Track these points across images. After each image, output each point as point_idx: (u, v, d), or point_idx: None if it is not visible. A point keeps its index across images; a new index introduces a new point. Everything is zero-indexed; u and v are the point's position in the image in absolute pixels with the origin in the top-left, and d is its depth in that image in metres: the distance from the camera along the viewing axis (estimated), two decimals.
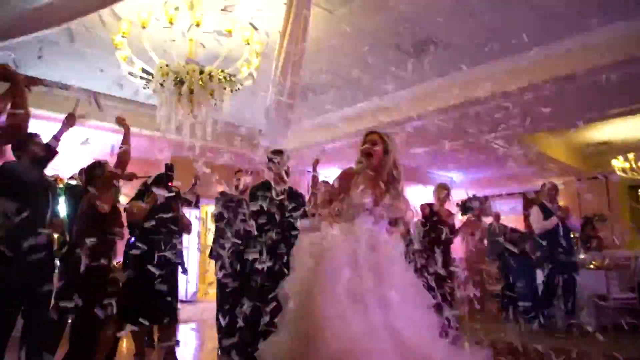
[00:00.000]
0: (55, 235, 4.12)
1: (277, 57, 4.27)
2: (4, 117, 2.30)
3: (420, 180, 11.27)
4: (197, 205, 6.10)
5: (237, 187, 4.67)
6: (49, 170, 5.01)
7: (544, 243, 4.87)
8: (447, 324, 4.67)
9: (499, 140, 8.17)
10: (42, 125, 3.96)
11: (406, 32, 5.16)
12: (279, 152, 3.95)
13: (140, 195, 4.01)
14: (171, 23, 3.71)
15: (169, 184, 3.95)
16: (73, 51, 5.28)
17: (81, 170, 3.61)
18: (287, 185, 3.82)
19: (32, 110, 5.69)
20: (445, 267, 4.93)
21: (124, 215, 3.76)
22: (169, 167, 4.01)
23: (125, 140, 3.42)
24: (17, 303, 2.93)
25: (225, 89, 4.13)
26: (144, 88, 4.18)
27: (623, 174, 8.71)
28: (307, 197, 4.30)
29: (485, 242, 7.08)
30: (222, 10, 3.78)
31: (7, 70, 2.37)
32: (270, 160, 3.86)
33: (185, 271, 4.22)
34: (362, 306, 2.26)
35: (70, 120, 3.33)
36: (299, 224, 3.45)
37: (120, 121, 3.49)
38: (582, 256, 5.93)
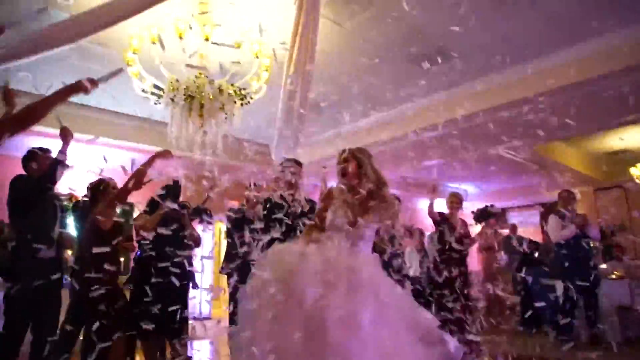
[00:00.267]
0: (70, 252, 4.14)
1: (287, 70, 4.29)
2: None
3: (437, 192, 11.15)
4: (209, 222, 6.10)
5: (248, 201, 4.65)
6: (65, 189, 5.06)
7: (563, 253, 4.74)
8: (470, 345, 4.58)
9: (513, 151, 8.07)
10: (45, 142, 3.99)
11: (416, 43, 5.15)
12: (291, 161, 3.92)
13: (150, 208, 4.00)
14: (181, 38, 3.74)
15: (178, 197, 3.95)
16: (84, 69, 5.35)
17: (87, 188, 3.63)
18: (298, 192, 3.77)
19: (44, 129, 5.82)
20: (463, 281, 4.84)
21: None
22: (177, 180, 4.01)
23: (148, 163, 3.40)
24: (25, 318, 2.91)
25: (235, 102, 4.14)
26: (155, 104, 4.21)
27: None
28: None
29: (503, 254, 6.93)
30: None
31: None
32: (281, 166, 3.84)
33: (195, 286, 4.18)
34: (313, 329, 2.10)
35: (66, 134, 3.30)
36: None
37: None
38: (603, 266, 5.77)
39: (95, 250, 2.87)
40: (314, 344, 2.06)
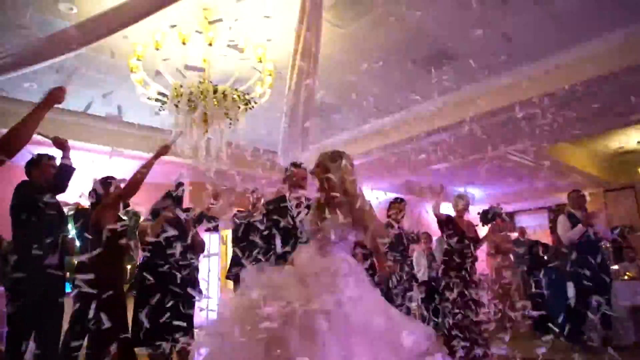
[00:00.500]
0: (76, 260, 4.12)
1: (290, 74, 4.28)
2: None
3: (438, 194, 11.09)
4: (216, 229, 6.08)
5: (253, 205, 4.63)
6: (72, 198, 5.06)
7: (574, 253, 4.66)
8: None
9: (521, 153, 8.01)
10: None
11: (420, 46, 5.14)
12: (296, 165, 3.89)
13: (154, 214, 3.99)
14: (184, 43, 3.75)
15: (180, 202, 3.93)
16: (89, 78, 5.38)
17: (94, 184, 3.61)
18: (303, 195, 3.71)
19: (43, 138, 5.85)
20: (471, 285, 4.77)
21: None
22: (180, 184, 3.99)
23: (146, 165, 3.36)
24: (28, 328, 2.88)
25: (239, 107, 4.13)
26: (160, 110, 4.21)
27: None
28: None
29: (512, 257, 6.85)
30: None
31: None
32: (287, 171, 3.81)
33: (200, 292, 4.14)
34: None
35: (60, 142, 3.28)
36: None
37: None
38: (615, 267, 5.68)
39: (97, 251, 2.84)
40: None
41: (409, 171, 8.94)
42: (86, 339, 3.01)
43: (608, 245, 4.85)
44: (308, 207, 3.35)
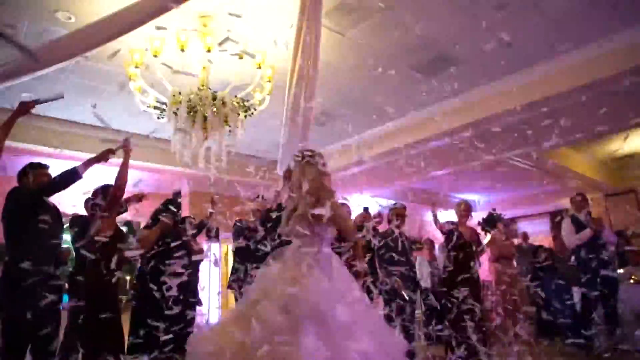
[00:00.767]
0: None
1: (290, 80, 4.26)
2: None
3: (441, 204, 11.05)
4: (217, 238, 6.02)
5: (254, 213, 4.58)
6: (70, 209, 5.00)
7: (579, 259, 4.61)
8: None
9: (521, 158, 7.99)
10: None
11: (420, 51, 5.13)
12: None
13: (153, 222, 3.94)
14: (182, 50, 3.72)
15: (178, 210, 3.88)
16: (87, 88, 5.36)
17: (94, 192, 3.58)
18: None
19: (48, 149, 5.79)
20: (475, 295, 4.71)
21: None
22: (177, 193, 3.95)
23: (123, 165, 3.30)
24: (24, 340, 2.81)
25: (238, 114, 4.10)
26: (158, 118, 4.18)
27: None
28: None
29: (515, 263, 6.78)
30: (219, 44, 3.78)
31: None
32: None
33: (199, 302, 4.07)
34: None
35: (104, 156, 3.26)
36: None
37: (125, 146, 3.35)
38: (620, 271, 5.62)
39: (95, 256, 2.80)
40: None
41: (410, 178, 8.91)
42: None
43: (612, 249, 4.78)
44: None
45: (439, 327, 4.74)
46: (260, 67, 4.17)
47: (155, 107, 4.15)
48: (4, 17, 4.21)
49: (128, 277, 5.83)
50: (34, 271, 2.74)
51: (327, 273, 2.38)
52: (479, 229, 5.88)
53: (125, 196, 3.71)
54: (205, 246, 5.37)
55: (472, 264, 4.90)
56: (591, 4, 4.41)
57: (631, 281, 5.45)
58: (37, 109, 3.30)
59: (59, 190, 3.03)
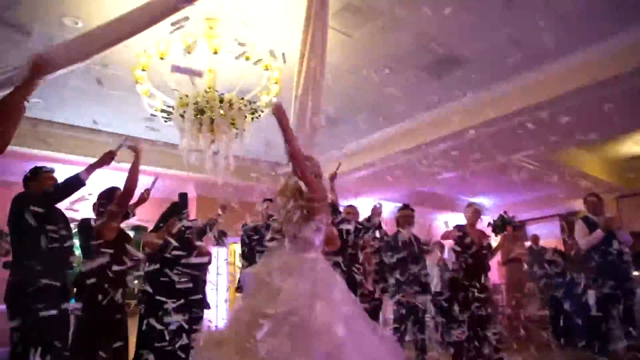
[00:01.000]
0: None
1: (297, 82, 4.22)
2: None
3: (449, 207, 10.96)
4: (223, 243, 5.99)
5: (263, 216, 4.54)
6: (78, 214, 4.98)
7: (594, 260, 4.51)
8: None
9: (530, 159, 7.90)
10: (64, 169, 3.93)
11: (427, 52, 5.07)
12: None
13: (158, 227, 3.91)
14: (189, 52, 3.70)
15: (185, 213, 3.86)
16: (92, 91, 5.36)
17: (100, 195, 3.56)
18: None
19: (55, 154, 5.77)
20: (485, 298, 4.64)
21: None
22: (183, 196, 3.92)
23: (133, 168, 3.28)
24: (32, 345, 2.77)
25: (245, 117, 4.07)
26: (165, 121, 4.16)
27: None
28: None
29: (526, 265, 6.69)
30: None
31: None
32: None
33: (207, 306, 4.03)
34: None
35: (106, 159, 3.23)
36: None
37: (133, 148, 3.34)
38: (636, 273, 5.51)
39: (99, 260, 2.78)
40: None
41: (418, 181, 8.84)
42: None
43: (628, 250, 4.67)
44: None
45: (450, 331, 4.67)
46: (267, 69, 4.13)
47: (162, 110, 4.13)
48: (12, 24, 4.23)
49: (136, 281, 5.80)
50: (42, 277, 2.71)
51: (308, 280, 2.29)
52: (489, 232, 5.81)
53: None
54: (213, 250, 5.34)
55: (481, 267, 4.83)
56: (601, 1, 4.34)
57: None
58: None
59: (63, 198, 3.02)
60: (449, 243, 6.02)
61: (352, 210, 4.87)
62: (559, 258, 6.24)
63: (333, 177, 4.57)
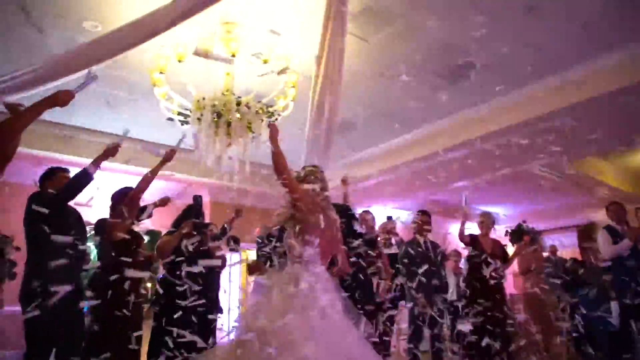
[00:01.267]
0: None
1: (314, 87, 4.20)
2: None
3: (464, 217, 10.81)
4: (236, 249, 5.96)
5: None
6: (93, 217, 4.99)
7: (617, 271, 4.38)
8: None
9: (548, 168, 7.78)
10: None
11: (444, 57, 5.03)
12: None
13: (173, 231, 3.89)
14: (206, 56, 3.70)
15: (200, 216, 3.83)
16: (106, 95, 5.39)
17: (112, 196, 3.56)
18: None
19: (55, 155, 5.77)
20: (499, 309, 4.55)
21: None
22: (198, 199, 3.90)
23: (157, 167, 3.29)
24: (48, 343, 2.74)
25: (262, 120, 4.05)
26: (182, 124, 4.16)
27: None
28: None
29: (543, 276, 6.55)
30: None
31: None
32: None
33: (220, 310, 3.98)
34: None
35: (111, 151, 3.22)
36: None
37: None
38: None
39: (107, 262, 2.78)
40: None
41: (432, 189, 8.75)
42: None
43: None
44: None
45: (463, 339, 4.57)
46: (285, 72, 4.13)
47: (179, 114, 4.13)
48: (32, 28, 4.27)
49: (149, 284, 5.79)
50: (56, 276, 2.69)
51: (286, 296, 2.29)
52: (505, 241, 5.71)
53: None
54: (227, 256, 5.30)
55: (492, 275, 4.74)
56: (622, 6, 4.27)
57: None
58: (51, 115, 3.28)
59: (75, 194, 3.01)
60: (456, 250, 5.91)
61: (367, 216, 4.80)
62: (579, 268, 6.11)
63: (345, 182, 4.53)
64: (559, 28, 4.56)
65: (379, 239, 4.86)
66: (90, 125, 6.24)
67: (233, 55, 3.80)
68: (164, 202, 3.77)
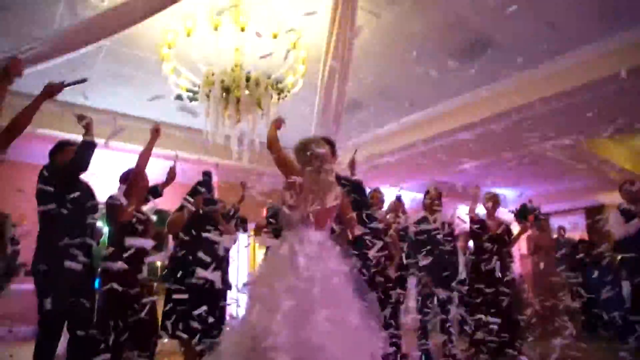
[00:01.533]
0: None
1: (324, 63, 4.13)
2: None
3: (470, 198, 10.75)
4: (245, 229, 5.93)
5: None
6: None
7: (630, 250, 4.33)
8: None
9: (556, 149, 7.67)
10: None
11: (458, 34, 4.93)
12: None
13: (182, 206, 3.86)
14: (216, 29, 3.62)
15: (209, 192, 3.81)
16: (118, 76, 5.34)
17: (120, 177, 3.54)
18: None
19: (47, 132, 5.74)
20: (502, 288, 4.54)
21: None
22: (207, 175, 3.87)
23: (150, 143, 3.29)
24: (60, 316, 2.75)
25: (272, 97, 3.99)
26: (191, 101, 4.10)
27: None
28: None
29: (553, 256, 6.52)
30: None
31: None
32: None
33: (229, 287, 3.97)
34: None
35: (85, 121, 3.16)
36: None
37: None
38: None
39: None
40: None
41: (439, 171, 8.68)
42: None
43: None
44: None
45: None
46: (294, 47, 4.04)
47: (188, 90, 4.07)
48: (38, 3, 4.21)
49: (159, 263, 5.81)
50: (68, 250, 2.68)
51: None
52: (511, 221, 5.68)
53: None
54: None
55: (497, 256, 4.73)
56: None
57: None
58: (64, 96, 3.25)
59: (84, 165, 2.98)
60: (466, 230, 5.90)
61: (377, 195, 4.75)
62: (589, 248, 6.08)
63: (352, 165, 4.45)
64: (576, 4, 4.44)
65: (388, 216, 4.83)
66: (98, 105, 6.20)
67: (242, 30, 3.72)
68: (171, 175, 3.77)
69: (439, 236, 4.55)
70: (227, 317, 3.78)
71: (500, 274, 4.55)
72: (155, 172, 3.80)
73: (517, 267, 7.15)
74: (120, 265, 2.86)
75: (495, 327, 4.18)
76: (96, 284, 3.22)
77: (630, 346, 4.06)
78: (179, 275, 3.41)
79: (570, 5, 4.42)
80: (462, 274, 5.80)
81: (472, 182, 10.23)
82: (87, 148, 2.98)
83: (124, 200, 3.14)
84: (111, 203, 3.30)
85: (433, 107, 6.50)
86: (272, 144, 2.70)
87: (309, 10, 3.78)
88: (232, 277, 4.33)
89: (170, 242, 4.13)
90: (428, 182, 9.30)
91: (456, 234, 5.58)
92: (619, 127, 6.58)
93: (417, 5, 4.41)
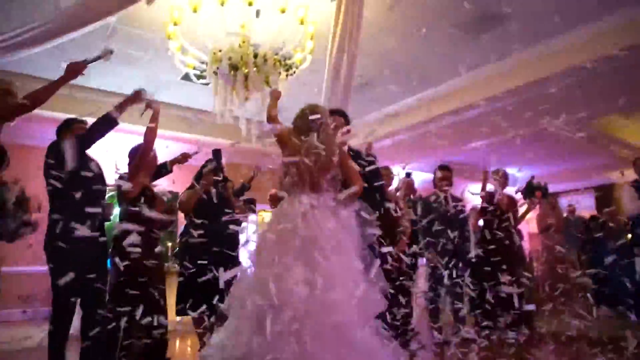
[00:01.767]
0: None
1: (332, 39, 4.06)
2: None
3: (478, 177, 10.67)
4: (253, 210, 5.93)
5: None
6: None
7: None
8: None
9: (569, 126, 7.56)
10: None
11: (465, 7, 4.81)
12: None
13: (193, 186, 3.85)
14: (222, 4, 3.56)
15: (220, 169, 3.79)
16: (123, 56, 5.27)
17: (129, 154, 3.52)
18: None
19: (56, 115, 5.75)
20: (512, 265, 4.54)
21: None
22: (217, 153, 3.84)
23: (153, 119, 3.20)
24: (73, 293, 2.76)
25: (280, 73, 3.94)
26: (198, 78, 4.06)
27: None
28: None
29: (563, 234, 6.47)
30: None
31: None
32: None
33: (239, 264, 3.98)
34: None
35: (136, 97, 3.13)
36: None
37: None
38: None
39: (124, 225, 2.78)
40: None
41: (447, 149, 8.60)
42: None
43: None
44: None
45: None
46: (302, 23, 3.97)
47: (194, 68, 4.02)
48: None
49: (170, 244, 5.83)
50: (78, 225, 2.68)
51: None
52: (518, 198, 5.66)
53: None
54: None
55: (506, 233, 4.72)
56: None
57: None
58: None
59: (97, 139, 2.94)
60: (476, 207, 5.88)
61: (387, 172, 4.71)
62: (600, 226, 6.03)
63: (369, 150, 4.40)
64: None
65: (397, 193, 4.80)
66: (105, 86, 6.16)
67: (250, 4, 3.65)
68: (184, 157, 3.71)
69: (449, 213, 4.51)
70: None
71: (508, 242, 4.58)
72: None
73: (526, 246, 7.12)
74: (134, 237, 2.83)
75: (504, 294, 4.18)
76: (108, 263, 3.23)
77: None
78: (189, 256, 3.42)
79: None
80: (473, 251, 5.78)
81: (481, 162, 10.18)
82: (109, 124, 2.94)
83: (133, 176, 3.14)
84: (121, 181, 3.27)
85: (442, 84, 6.41)
86: (271, 117, 2.71)
87: None
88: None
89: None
90: (438, 160, 9.25)
91: (469, 209, 5.56)
92: (631, 103, 6.49)
93: None
